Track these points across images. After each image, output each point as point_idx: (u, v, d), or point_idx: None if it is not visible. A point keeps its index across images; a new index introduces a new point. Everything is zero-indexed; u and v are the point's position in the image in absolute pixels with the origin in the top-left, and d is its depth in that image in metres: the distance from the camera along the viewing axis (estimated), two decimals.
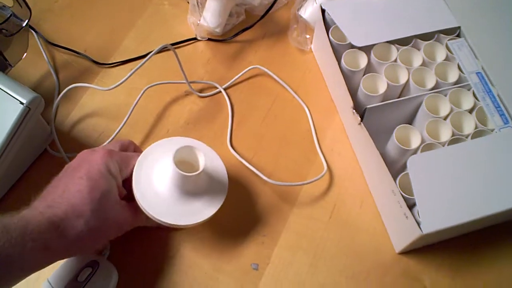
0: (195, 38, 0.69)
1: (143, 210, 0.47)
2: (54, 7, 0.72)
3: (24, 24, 0.59)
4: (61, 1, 0.73)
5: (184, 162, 0.48)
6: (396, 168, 0.56)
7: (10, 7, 0.61)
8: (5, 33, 0.57)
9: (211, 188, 0.50)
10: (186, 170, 0.46)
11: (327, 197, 0.58)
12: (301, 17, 0.68)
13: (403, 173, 0.52)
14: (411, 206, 0.50)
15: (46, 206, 0.43)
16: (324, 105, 0.65)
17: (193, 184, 0.48)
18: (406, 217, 0.49)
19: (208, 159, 0.50)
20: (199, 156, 0.48)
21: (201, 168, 0.47)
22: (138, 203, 0.48)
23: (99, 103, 0.64)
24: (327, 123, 0.63)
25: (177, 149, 0.47)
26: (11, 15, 0.60)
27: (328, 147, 0.61)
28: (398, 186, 0.50)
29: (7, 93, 0.51)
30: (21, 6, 0.59)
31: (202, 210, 0.49)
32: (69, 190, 0.44)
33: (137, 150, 0.54)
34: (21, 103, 0.50)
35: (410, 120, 0.59)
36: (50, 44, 0.68)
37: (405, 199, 0.49)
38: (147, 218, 0.48)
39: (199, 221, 0.48)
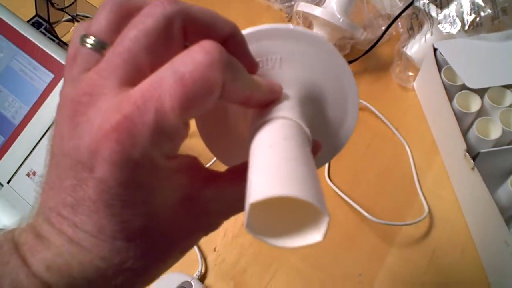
0: None
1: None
2: None
3: None
4: None
5: None
6: (505, 217, 0.53)
7: None
8: None
9: None
10: None
11: (426, 240, 0.56)
12: (406, 54, 0.67)
13: None
14: None
15: (43, 259, 0.22)
16: (425, 145, 0.63)
17: None
18: None
19: None
20: None
21: None
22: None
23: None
24: (428, 163, 0.61)
25: None
26: None
27: (428, 188, 0.59)
28: None
29: None
30: None
31: None
32: (75, 206, 0.21)
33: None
34: None
35: None
36: None
37: None
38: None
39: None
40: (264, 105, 0.26)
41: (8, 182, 0.54)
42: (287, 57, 0.29)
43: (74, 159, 0.21)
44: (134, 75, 0.21)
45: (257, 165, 0.22)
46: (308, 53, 0.30)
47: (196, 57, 0.20)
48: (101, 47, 0.23)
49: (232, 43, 0.24)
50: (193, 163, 0.26)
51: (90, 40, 0.23)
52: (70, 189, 0.21)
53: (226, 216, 0.26)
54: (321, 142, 0.28)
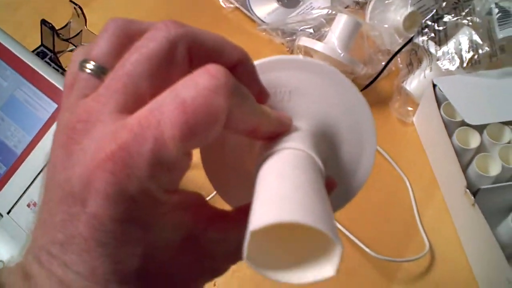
0: None
1: None
2: None
3: None
4: None
5: None
6: (506, 254, 0.52)
7: None
8: None
9: None
10: None
11: (427, 277, 0.55)
12: (405, 89, 0.67)
13: None
14: None
15: None
16: (425, 180, 0.63)
17: None
18: None
19: None
20: None
21: None
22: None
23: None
24: (428, 198, 0.61)
25: None
26: None
27: (429, 223, 0.59)
28: None
29: None
30: None
31: None
32: (65, 243, 0.19)
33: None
34: None
35: None
36: None
37: None
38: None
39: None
40: (272, 137, 0.24)
41: (8, 213, 0.53)
42: (297, 90, 0.27)
43: (66, 191, 0.19)
44: (133, 101, 0.20)
45: (261, 194, 0.20)
46: (320, 85, 0.27)
47: (200, 81, 0.19)
48: (101, 72, 0.21)
49: (241, 70, 0.23)
50: (197, 200, 0.24)
51: (90, 65, 0.21)
52: (60, 225, 0.19)
53: (232, 260, 0.24)
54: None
